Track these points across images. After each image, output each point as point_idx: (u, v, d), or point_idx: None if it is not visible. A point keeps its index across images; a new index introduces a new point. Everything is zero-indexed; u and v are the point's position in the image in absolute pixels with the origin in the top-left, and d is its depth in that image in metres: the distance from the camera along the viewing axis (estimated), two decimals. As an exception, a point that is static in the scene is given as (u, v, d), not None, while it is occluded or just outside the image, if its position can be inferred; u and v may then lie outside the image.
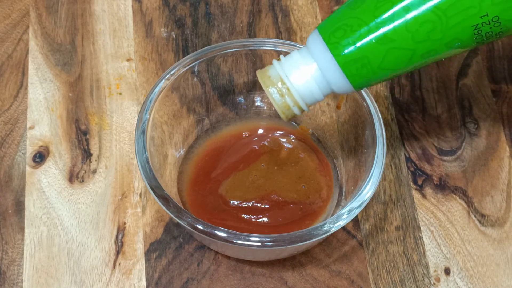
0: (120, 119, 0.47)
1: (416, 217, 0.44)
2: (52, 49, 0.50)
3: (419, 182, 0.46)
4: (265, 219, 0.41)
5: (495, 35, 0.32)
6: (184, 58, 0.42)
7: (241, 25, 0.51)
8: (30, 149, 0.46)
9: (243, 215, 0.41)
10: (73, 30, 0.51)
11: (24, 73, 0.49)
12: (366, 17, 0.33)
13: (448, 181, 0.46)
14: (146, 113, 0.40)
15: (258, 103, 0.46)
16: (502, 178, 0.46)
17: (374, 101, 0.40)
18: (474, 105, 0.49)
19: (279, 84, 0.36)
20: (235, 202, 0.42)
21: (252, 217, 0.41)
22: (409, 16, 0.32)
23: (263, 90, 0.40)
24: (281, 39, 0.50)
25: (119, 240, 0.43)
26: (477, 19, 0.32)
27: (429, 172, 0.46)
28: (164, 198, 0.37)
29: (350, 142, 0.44)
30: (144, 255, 0.43)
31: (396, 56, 0.33)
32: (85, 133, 0.47)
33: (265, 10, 0.52)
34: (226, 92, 0.46)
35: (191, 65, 0.42)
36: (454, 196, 0.45)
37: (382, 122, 0.40)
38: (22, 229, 0.43)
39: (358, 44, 0.33)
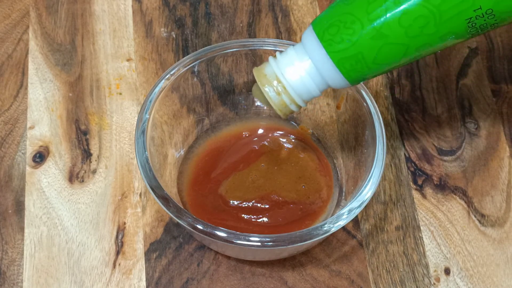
0: (120, 119, 0.47)
1: (416, 217, 0.44)
2: (52, 49, 0.50)
3: (419, 182, 0.46)
4: (265, 219, 0.41)
5: (490, 26, 0.32)
6: (184, 58, 0.42)
7: (241, 25, 0.51)
8: (30, 149, 0.46)
9: (243, 215, 0.41)
10: (73, 30, 0.51)
11: (24, 73, 0.49)
12: (359, 13, 0.33)
13: (448, 181, 0.46)
14: (146, 113, 0.40)
15: (258, 103, 0.46)
16: (502, 178, 0.46)
17: (374, 101, 0.40)
18: (474, 105, 0.49)
19: (275, 83, 0.36)
20: (235, 202, 0.42)
21: (252, 217, 0.41)
22: (402, 11, 0.32)
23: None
24: (281, 39, 0.50)
25: (119, 240, 0.43)
26: (470, 12, 0.31)
27: (429, 172, 0.46)
28: (164, 198, 0.37)
29: (350, 142, 0.44)
30: (144, 255, 0.43)
31: (390, 51, 0.33)
32: (85, 133, 0.47)
33: (265, 10, 0.52)
34: (226, 92, 0.46)
35: (191, 65, 0.42)
36: (454, 196, 0.45)
37: (382, 122, 0.40)
38: (22, 229, 0.43)
39: (351, 41, 0.33)
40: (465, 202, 0.45)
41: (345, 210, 0.37)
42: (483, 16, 0.31)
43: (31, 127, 0.47)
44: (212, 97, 0.46)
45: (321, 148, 0.45)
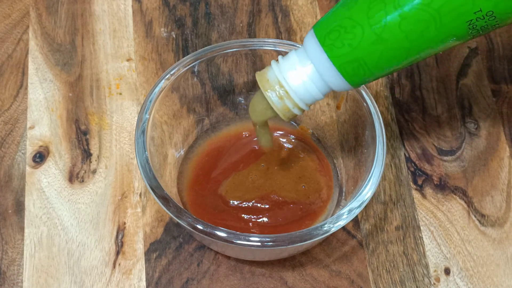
0: (120, 119, 0.47)
1: (416, 217, 0.44)
2: (52, 49, 0.50)
3: (419, 182, 0.46)
4: (265, 219, 0.41)
5: (491, 27, 0.32)
6: (184, 58, 0.42)
7: (241, 25, 0.51)
8: (30, 149, 0.46)
9: (243, 215, 0.41)
10: (73, 30, 0.51)
11: (24, 73, 0.49)
12: (359, 18, 0.33)
13: (448, 181, 0.46)
14: (146, 113, 0.40)
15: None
16: (502, 178, 0.46)
17: (374, 101, 0.40)
18: (474, 105, 0.49)
19: (277, 87, 0.36)
20: (235, 202, 0.42)
21: (252, 217, 0.41)
22: (402, 16, 0.32)
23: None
24: (281, 39, 0.50)
25: (119, 240, 0.43)
26: (471, 15, 0.31)
27: (429, 172, 0.46)
28: (164, 198, 0.37)
29: (350, 142, 0.44)
30: (144, 255, 0.43)
31: (391, 55, 0.33)
32: (85, 133, 0.47)
33: (265, 10, 0.52)
34: (226, 92, 0.46)
35: (191, 65, 0.42)
36: (454, 196, 0.45)
37: (382, 122, 0.40)
38: (22, 229, 0.43)
39: (352, 46, 0.33)
40: (465, 202, 0.45)
41: (345, 210, 0.37)
42: (484, 18, 0.31)
43: (31, 127, 0.47)
44: (212, 97, 0.46)
45: (321, 148, 0.45)
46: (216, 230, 0.36)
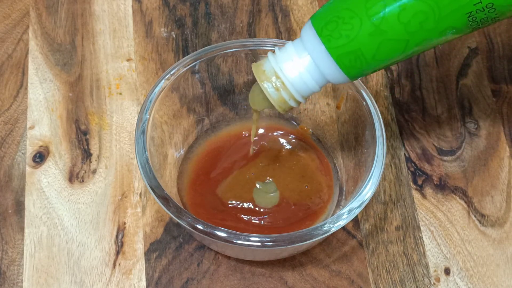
0: (120, 119, 0.47)
1: (416, 217, 0.44)
2: (52, 49, 0.50)
3: (419, 182, 0.46)
4: (265, 220, 0.41)
5: (491, 20, 0.32)
6: (184, 58, 0.42)
7: (241, 25, 0.51)
8: (30, 149, 0.46)
9: (242, 216, 0.41)
10: (73, 30, 0.51)
11: (24, 73, 0.49)
12: (357, 8, 0.32)
13: (448, 181, 0.46)
14: (146, 113, 0.40)
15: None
16: (502, 178, 0.46)
17: (374, 101, 0.40)
18: (474, 105, 0.49)
19: (274, 79, 0.36)
20: (233, 203, 0.42)
21: (252, 217, 0.41)
22: (401, 6, 0.31)
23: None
24: (281, 39, 0.50)
25: (119, 240, 0.43)
26: (470, 6, 0.31)
27: (429, 172, 0.46)
28: (164, 198, 0.37)
29: (350, 142, 0.44)
30: (144, 255, 0.43)
31: (389, 47, 0.33)
32: (85, 133, 0.47)
33: (265, 10, 0.52)
34: (226, 92, 0.46)
35: (191, 65, 0.42)
36: (454, 196, 0.45)
37: (382, 122, 0.40)
38: (22, 229, 0.43)
39: (350, 37, 0.33)
40: (465, 202, 0.45)
41: (345, 210, 0.37)
42: (484, 10, 0.31)
43: (31, 127, 0.47)
44: (212, 97, 0.46)
45: (321, 148, 0.45)
46: (216, 230, 0.36)
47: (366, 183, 0.38)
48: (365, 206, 0.38)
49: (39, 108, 0.47)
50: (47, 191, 0.44)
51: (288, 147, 0.45)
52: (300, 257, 0.43)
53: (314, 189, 0.43)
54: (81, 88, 0.48)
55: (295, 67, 0.35)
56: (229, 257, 0.43)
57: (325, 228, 0.36)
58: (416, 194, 0.45)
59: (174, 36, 0.51)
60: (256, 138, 0.45)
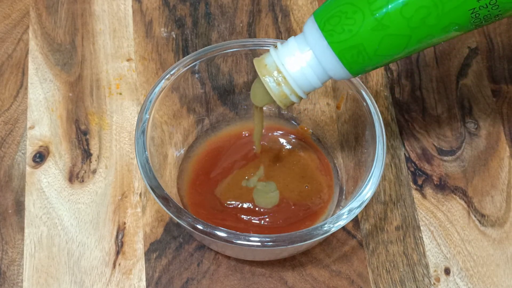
0: (120, 119, 0.47)
1: (416, 217, 0.44)
2: (52, 49, 0.50)
3: (419, 182, 0.46)
4: (265, 220, 0.41)
5: (494, 17, 0.32)
6: (184, 58, 0.42)
7: (241, 25, 0.51)
8: (30, 149, 0.46)
9: (242, 216, 0.41)
10: (73, 30, 0.51)
11: (24, 73, 0.49)
12: (360, 3, 0.32)
13: (448, 181, 0.46)
14: (146, 113, 0.40)
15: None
16: (502, 178, 0.46)
17: (374, 101, 0.40)
18: (474, 105, 0.49)
19: (275, 73, 0.35)
20: (233, 203, 0.42)
21: (252, 218, 0.41)
22: (404, 1, 0.31)
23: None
24: (281, 39, 0.50)
25: (119, 240, 0.43)
26: (474, 3, 0.31)
27: (429, 172, 0.46)
28: (164, 198, 0.37)
29: (350, 142, 0.44)
30: (144, 255, 0.43)
31: (392, 42, 0.32)
32: (85, 133, 0.47)
33: (265, 10, 0.52)
34: (226, 92, 0.46)
35: (191, 65, 0.42)
36: (454, 196, 0.45)
37: (382, 122, 0.40)
38: (22, 229, 0.43)
39: (353, 32, 0.33)
40: (465, 202, 0.45)
41: (345, 210, 0.37)
42: (487, 7, 0.31)
43: (31, 127, 0.47)
44: (212, 97, 0.46)
45: (321, 148, 0.45)
46: (216, 230, 0.36)
47: (366, 183, 0.38)
48: (365, 206, 0.38)
49: (39, 108, 0.47)
50: (47, 191, 0.44)
51: (288, 147, 0.45)
52: (300, 257, 0.43)
53: (315, 189, 0.43)
54: (81, 88, 0.48)
55: (297, 62, 0.35)
56: (229, 257, 0.43)
57: (325, 228, 0.36)
58: (416, 194, 0.45)
59: (174, 36, 0.51)
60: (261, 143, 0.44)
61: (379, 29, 0.32)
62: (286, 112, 0.46)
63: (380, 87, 0.49)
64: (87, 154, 0.46)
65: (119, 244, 0.43)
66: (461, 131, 0.47)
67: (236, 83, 0.45)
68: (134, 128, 0.42)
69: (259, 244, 0.36)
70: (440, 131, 0.47)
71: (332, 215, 0.40)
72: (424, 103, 0.49)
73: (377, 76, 0.50)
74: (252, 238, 0.36)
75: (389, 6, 0.32)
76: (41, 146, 0.46)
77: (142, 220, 0.44)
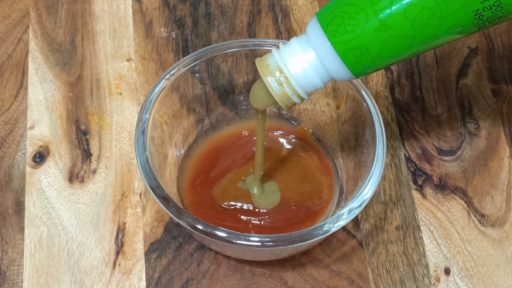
0: (120, 119, 0.47)
1: (416, 217, 0.44)
2: (52, 49, 0.50)
3: (419, 182, 0.46)
4: (265, 221, 0.41)
5: (497, 19, 0.31)
6: (184, 58, 0.42)
7: (241, 25, 0.51)
8: (30, 149, 0.46)
9: (242, 216, 0.41)
10: (73, 30, 0.51)
11: (24, 73, 0.49)
12: (364, 4, 0.32)
13: (448, 181, 0.46)
14: (146, 113, 0.40)
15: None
16: (502, 178, 0.46)
17: (374, 101, 0.40)
18: (474, 105, 0.49)
19: (277, 73, 0.35)
20: (234, 203, 0.42)
21: (252, 218, 0.41)
22: (408, 2, 0.31)
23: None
24: (281, 39, 0.50)
25: (119, 240, 0.43)
26: (477, 4, 0.31)
27: (429, 172, 0.46)
28: (164, 198, 0.37)
29: (350, 142, 0.44)
30: (144, 255, 0.43)
31: (395, 43, 0.32)
32: (85, 133, 0.47)
33: (265, 10, 0.52)
34: (226, 92, 0.46)
35: (191, 65, 0.42)
36: (454, 196, 0.45)
37: (382, 122, 0.40)
38: (22, 229, 0.43)
39: (356, 32, 0.32)
40: (465, 202, 0.45)
41: (345, 210, 0.37)
42: (491, 8, 0.31)
43: (31, 127, 0.47)
44: (212, 97, 0.46)
45: (321, 148, 0.45)
46: (216, 230, 0.36)
47: (366, 183, 0.38)
48: (365, 206, 0.38)
49: (39, 108, 0.47)
50: (47, 191, 0.44)
51: (288, 147, 0.45)
52: (300, 257, 0.43)
53: (315, 190, 0.43)
54: (81, 88, 0.48)
55: (299, 63, 0.35)
56: (229, 257, 0.43)
57: (325, 228, 0.36)
58: (416, 194, 0.45)
59: (174, 36, 0.51)
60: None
61: (382, 30, 0.32)
62: (286, 112, 0.46)
63: (380, 87, 0.49)
64: (87, 154, 0.46)
65: (119, 244, 0.43)
66: (461, 131, 0.47)
67: (236, 83, 0.45)
68: (134, 128, 0.42)
69: (259, 244, 0.36)
70: (440, 131, 0.47)
71: (332, 215, 0.40)
72: (424, 103, 0.49)
73: (377, 76, 0.50)
74: (252, 238, 0.36)
75: (393, 7, 0.32)
76: (41, 146, 0.46)
77: (142, 220, 0.44)
